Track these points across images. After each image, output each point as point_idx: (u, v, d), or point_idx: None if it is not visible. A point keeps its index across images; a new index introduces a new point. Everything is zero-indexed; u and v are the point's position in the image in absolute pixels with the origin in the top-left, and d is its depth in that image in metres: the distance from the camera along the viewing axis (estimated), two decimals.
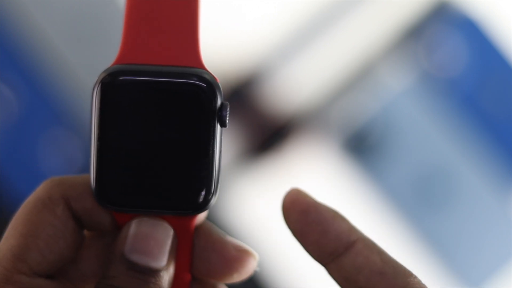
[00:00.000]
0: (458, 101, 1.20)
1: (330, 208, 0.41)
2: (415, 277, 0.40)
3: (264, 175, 1.17)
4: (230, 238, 0.43)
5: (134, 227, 0.41)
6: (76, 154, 1.15)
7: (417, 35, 1.20)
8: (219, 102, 0.41)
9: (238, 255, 0.43)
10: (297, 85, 1.18)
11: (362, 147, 1.18)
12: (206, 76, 0.41)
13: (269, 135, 1.18)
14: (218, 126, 0.41)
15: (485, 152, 1.20)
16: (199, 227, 0.43)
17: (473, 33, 1.20)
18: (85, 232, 0.43)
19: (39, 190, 0.42)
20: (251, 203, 1.15)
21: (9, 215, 1.21)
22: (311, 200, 0.41)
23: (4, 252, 0.40)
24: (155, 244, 0.41)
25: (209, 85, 0.41)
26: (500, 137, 1.20)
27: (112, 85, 0.41)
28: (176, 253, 0.42)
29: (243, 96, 1.17)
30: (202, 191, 0.41)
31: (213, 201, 0.42)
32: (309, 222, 0.41)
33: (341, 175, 1.18)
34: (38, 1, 1.15)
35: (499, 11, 1.21)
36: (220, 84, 0.41)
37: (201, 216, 0.43)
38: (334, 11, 1.19)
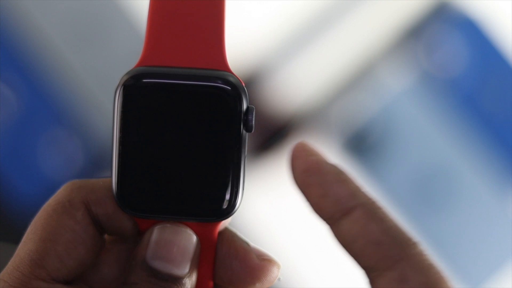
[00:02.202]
0: (458, 101, 1.20)
1: (333, 168, 0.38)
2: (417, 246, 0.37)
3: (264, 175, 1.17)
4: (253, 246, 0.42)
5: (156, 233, 0.40)
6: (76, 154, 1.15)
7: (417, 35, 1.20)
8: (244, 106, 0.40)
9: (261, 264, 0.42)
10: (297, 85, 1.18)
11: (362, 147, 1.18)
12: (232, 79, 0.40)
13: (269, 135, 1.18)
14: (244, 131, 0.40)
15: (485, 152, 1.20)
16: (222, 234, 0.42)
17: (473, 33, 1.20)
18: (106, 236, 0.42)
19: (59, 194, 0.41)
20: (252, 203, 1.15)
21: (9, 215, 1.20)
22: (314, 159, 0.39)
23: (22, 257, 0.40)
24: (178, 251, 0.40)
25: (234, 88, 0.40)
26: (500, 137, 1.20)
27: (134, 88, 0.40)
28: (199, 260, 0.41)
29: None
30: (226, 197, 0.40)
31: (237, 207, 0.41)
32: (310, 183, 0.38)
33: None
34: (38, 1, 1.15)
35: (499, 11, 1.21)
36: (245, 88, 0.40)
37: (225, 222, 0.42)
38: (334, 11, 1.19)
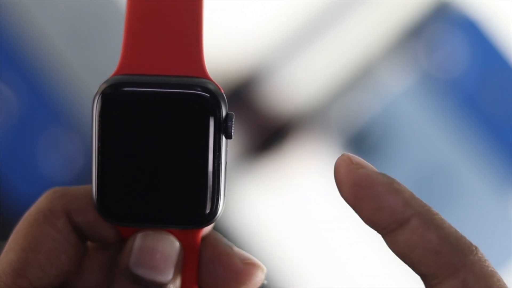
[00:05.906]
0: (459, 101, 1.20)
1: (384, 179, 0.38)
2: (476, 253, 0.37)
3: (264, 175, 1.17)
4: (237, 250, 0.42)
5: (139, 241, 0.40)
6: (76, 154, 1.15)
7: (417, 35, 1.20)
8: (223, 112, 0.40)
9: (245, 268, 0.42)
10: (297, 85, 1.18)
11: (363, 147, 1.18)
12: (210, 86, 0.40)
13: (269, 135, 1.18)
14: (223, 138, 0.40)
15: (485, 152, 1.19)
16: (206, 238, 0.42)
17: (473, 33, 1.20)
18: (88, 243, 0.42)
19: (40, 202, 0.41)
20: (251, 203, 1.15)
21: (9, 215, 1.20)
22: (363, 172, 0.38)
23: (4, 267, 0.40)
24: (161, 257, 0.40)
25: (213, 95, 0.39)
26: (500, 137, 1.20)
27: (113, 97, 0.39)
28: (183, 266, 0.41)
29: (243, 96, 1.17)
30: (207, 204, 0.40)
31: (219, 214, 0.41)
32: (361, 197, 0.38)
33: None
34: (38, 1, 1.15)
35: (499, 11, 1.20)
36: (224, 94, 0.40)
37: (208, 228, 0.42)
38: (334, 11, 1.19)
